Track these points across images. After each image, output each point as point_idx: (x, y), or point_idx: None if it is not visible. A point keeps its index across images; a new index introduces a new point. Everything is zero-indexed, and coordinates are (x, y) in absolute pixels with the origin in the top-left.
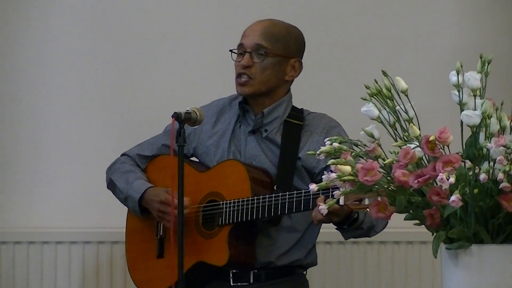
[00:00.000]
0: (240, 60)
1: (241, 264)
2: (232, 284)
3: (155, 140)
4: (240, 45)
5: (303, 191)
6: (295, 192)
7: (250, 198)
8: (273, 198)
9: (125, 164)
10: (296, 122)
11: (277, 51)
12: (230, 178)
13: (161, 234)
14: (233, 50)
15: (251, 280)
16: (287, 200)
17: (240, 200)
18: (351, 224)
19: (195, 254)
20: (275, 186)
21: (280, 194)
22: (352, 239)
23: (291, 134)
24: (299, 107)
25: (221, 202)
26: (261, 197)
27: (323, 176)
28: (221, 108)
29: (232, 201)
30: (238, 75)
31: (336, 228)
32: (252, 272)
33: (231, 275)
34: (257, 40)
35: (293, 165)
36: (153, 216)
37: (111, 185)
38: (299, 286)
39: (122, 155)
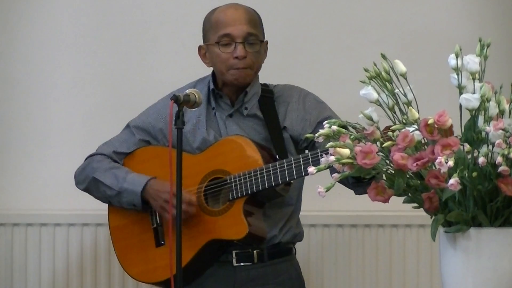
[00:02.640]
0: (230, 51)
1: (257, 237)
2: (235, 264)
3: (127, 136)
4: (226, 35)
5: (319, 151)
6: (309, 153)
7: (265, 167)
8: (284, 163)
9: (103, 162)
10: (267, 96)
11: (261, 37)
12: (235, 152)
13: (157, 222)
14: (221, 42)
15: (255, 260)
16: (301, 163)
17: (253, 170)
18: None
19: (206, 233)
20: (276, 156)
21: (286, 160)
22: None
23: (267, 107)
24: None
25: (227, 178)
26: (277, 163)
27: (321, 159)
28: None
29: (242, 173)
30: (234, 67)
31: (351, 183)
32: (255, 252)
33: (234, 256)
34: (246, 28)
35: (282, 136)
36: (148, 207)
37: (93, 183)
38: (295, 266)
39: (91, 155)
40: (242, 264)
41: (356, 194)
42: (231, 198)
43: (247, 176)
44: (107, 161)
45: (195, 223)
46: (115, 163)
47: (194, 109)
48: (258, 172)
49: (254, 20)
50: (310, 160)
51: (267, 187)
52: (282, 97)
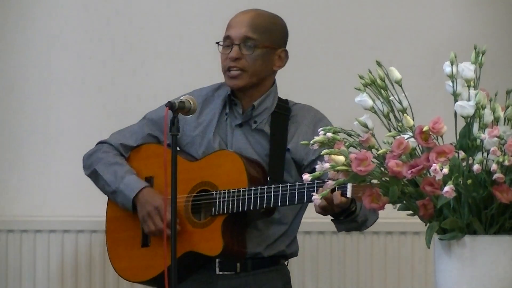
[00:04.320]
0: (228, 52)
1: (233, 254)
2: (218, 273)
3: (138, 129)
4: (227, 37)
5: (297, 184)
6: (288, 184)
7: (247, 189)
8: (265, 190)
9: (109, 154)
10: (283, 113)
11: (265, 42)
12: (224, 167)
13: None
14: (219, 43)
15: (238, 270)
16: (280, 192)
17: (236, 190)
18: (348, 216)
19: (185, 243)
20: (268, 178)
21: (273, 186)
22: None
23: (279, 125)
24: (284, 98)
25: (214, 192)
26: (258, 188)
27: (316, 166)
28: (205, 98)
29: (226, 191)
30: (228, 69)
31: (331, 220)
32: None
33: (217, 264)
34: (245, 31)
35: (283, 156)
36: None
37: (95, 175)
38: (283, 276)
39: (102, 142)
40: (225, 272)
41: (339, 231)
42: (213, 213)
43: (230, 194)
44: (112, 153)
45: (179, 232)
46: (119, 157)
47: (210, 111)
48: (241, 194)
49: (260, 25)
50: (288, 191)
51: (246, 209)
52: (296, 117)
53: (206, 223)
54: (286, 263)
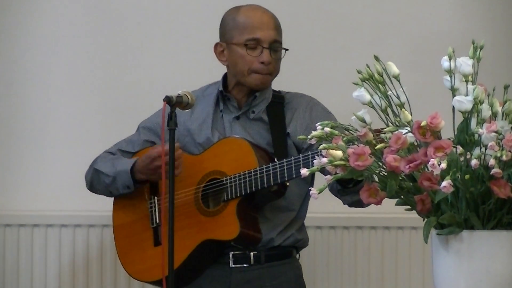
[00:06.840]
0: (256, 55)
1: (249, 238)
2: (232, 266)
3: (134, 137)
4: (256, 40)
5: (310, 153)
6: (301, 156)
7: (258, 168)
8: (277, 165)
9: (107, 157)
10: (278, 101)
11: (282, 43)
12: (231, 154)
13: (157, 222)
14: (248, 45)
15: (252, 262)
16: (293, 164)
17: (247, 172)
18: (356, 184)
19: (200, 233)
20: (275, 159)
21: (285, 160)
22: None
23: (275, 112)
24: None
25: (224, 178)
26: (270, 165)
27: (314, 161)
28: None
29: (237, 174)
30: (255, 71)
31: (338, 190)
32: (252, 253)
33: (231, 257)
34: (274, 35)
35: (285, 141)
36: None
37: (96, 175)
38: (295, 269)
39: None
40: (238, 265)
41: (344, 204)
42: (225, 199)
43: (241, 177)
44: (111, 155)
45: (192, 223)
46: (118, 155)
47: (202, 110)
48: (252, 174)
49: (279, 26)
50: (301, 162)
51: (259, 188)
52: (291, 103)
53: (220, 210)
54: (297, 256)
